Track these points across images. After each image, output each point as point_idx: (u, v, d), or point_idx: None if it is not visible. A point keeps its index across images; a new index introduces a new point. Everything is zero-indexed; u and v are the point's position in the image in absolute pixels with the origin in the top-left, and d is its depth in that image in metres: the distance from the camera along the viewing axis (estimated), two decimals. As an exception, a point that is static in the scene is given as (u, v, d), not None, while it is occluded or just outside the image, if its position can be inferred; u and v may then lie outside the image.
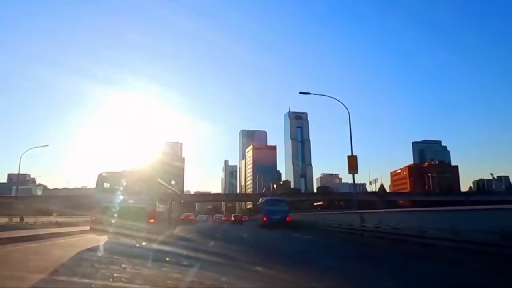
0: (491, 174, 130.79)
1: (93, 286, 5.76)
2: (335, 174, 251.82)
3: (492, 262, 8.20)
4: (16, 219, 32.63)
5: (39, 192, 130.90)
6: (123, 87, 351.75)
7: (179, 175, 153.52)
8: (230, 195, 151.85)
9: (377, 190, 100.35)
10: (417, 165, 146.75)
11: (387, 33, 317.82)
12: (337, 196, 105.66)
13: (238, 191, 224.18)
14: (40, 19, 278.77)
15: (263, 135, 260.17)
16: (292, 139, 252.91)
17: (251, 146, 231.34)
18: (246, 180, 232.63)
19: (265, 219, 32.11)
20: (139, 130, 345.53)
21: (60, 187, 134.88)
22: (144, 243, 12.47)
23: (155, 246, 12.32)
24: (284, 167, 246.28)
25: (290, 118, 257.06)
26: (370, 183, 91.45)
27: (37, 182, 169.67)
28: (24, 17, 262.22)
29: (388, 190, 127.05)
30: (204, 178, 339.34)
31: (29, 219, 31.65)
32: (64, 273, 7.03)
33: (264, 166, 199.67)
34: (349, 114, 21.04)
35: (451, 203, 69.00)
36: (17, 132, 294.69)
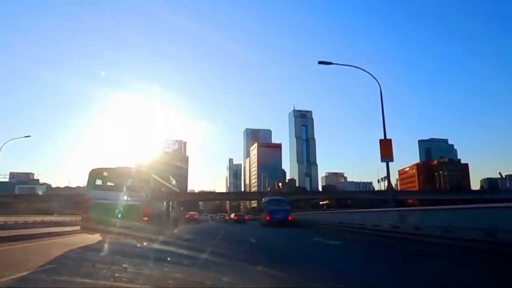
0: (499, 173, 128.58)
1: None
2: (340, 173, 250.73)
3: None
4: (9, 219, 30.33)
5: (40, 191, 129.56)
6: (126, 87, 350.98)
7: (183, 174, 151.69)
8: (233, 194, 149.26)
9: (385, 188, 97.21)
10: (426, 163, 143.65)
11: (390, 30, 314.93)
12: (345, 194, 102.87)
13: (242, 190, 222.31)
14: (41, 20, 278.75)
15: (267, 133, 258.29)
16: (297, 137, 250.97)
17: (255, 144, 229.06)
18: (250, 178, 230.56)
19: (267, 218, 33.21)
20: (142, 129, 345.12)
21: (62, 186, 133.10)
22: (138, 244, 11.64)
23: (144, 246, 11.43)
24: (288, 166, 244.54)
25: (294, 117, 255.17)
26: (379, 181, 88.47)
27: (41, 181, 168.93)
28: (25, 18, 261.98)
29: (395, 189, 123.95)
30: (209, 178, 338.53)
31: (21, 218, 29.60)
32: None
33: (269, 165, 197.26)
34: (380, 89, 17.91)
35: (464, 202, 66.51)
36: (19, 132, 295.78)
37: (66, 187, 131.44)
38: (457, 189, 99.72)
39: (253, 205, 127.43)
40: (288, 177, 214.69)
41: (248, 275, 6.60)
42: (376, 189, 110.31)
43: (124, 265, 6.80)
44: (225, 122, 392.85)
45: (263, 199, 42.47)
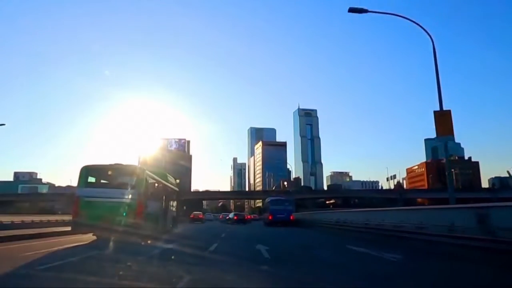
0: (508, 172, 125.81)
1: None
2: (345, 172, 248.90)
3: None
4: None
5: (43, 190, 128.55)
6: (129, 86, 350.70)
7: (186, 173, 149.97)
8: (237, 193, 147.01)
9: (393, 187, 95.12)
10: (435, 161, 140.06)
11: (393, 29, 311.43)
12: (353, 193, 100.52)
13: (247, 189, 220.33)
14: (43, 19, 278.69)
15: (272, 132, 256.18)
16: (301, 136, 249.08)
17: (260, 143, 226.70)
18: (255, 177, 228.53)
19: (270, 217, 34.29)
20: (146, 128, 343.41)
21: (64, 185, 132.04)
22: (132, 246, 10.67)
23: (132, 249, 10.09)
24: (293, 165, 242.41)
25: (299, 116, 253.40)
26: (388, 179, 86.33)
27: (44, 180, 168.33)
28: (29, 17, 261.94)
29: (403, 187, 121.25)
30: (213, 177, 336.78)
31: (20, 218, 27.39)
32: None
33: (274, 163, 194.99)
34: (433, 43, 14.60)
35: (477, 200, 64.14)
36: (24, 132, 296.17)
37: (68, 186, 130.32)
38: (468, 188, 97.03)
39: (257, 205, 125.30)
40: (292, 176, 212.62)
41: None
42: (384, 187, 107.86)
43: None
44: (229, 121, 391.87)
45: (266, 199, 43.56)
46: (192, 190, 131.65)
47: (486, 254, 7.74)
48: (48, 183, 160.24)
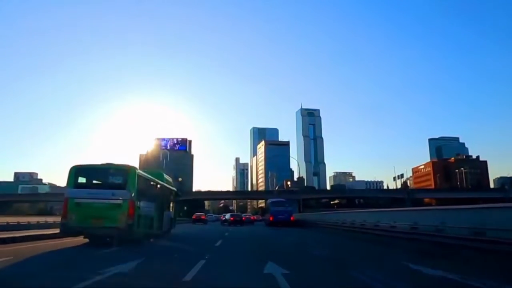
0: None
1: None
2: (349, 172, 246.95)
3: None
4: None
5: (44, 190, 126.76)
6: (131, 86, 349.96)
7: (188, 173, 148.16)
8: (239, 193, 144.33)
9: (399, 187, 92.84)
10: (442, 161, 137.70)
11: (396, 28, 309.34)
12: (359, 193, 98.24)
13: (249, 190, 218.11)
14: (39, 20, 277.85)
15: (274, 132, 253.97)
16: (304, 136, 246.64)
17: (262, 142, 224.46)
18: (257, 177, 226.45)
19: (271, 218, 35.18)
20: (147, 128, 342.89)
21: (64, 185, 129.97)
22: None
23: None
24: (296, 165, 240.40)
25: (302, 115, 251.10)
26: (395, 179, 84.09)
27: (44, 180, 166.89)
28: (28, 17, 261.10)
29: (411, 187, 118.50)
30: (215, 178, 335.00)
31: (15, 219, 25.85)
32: None
33: (276, 163, 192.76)
34: None
35: (486, 201, 61.87)
36: (25, 132, 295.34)
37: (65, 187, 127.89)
38: (477, 187, 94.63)
39: (260, 205, 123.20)
40: (295, 176, 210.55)
41: None
42: (390, 187, 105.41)
43: None
44: (231, 121, 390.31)
45: (267, 201, 44.38)
46: (194, 190, 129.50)
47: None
48: (49, 184, 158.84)
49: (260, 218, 60.74)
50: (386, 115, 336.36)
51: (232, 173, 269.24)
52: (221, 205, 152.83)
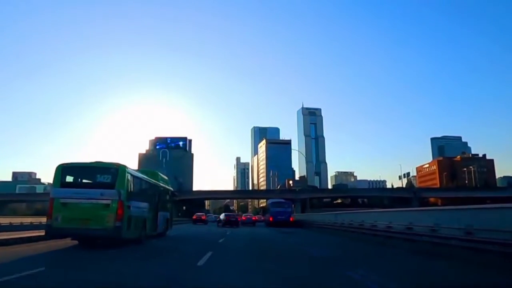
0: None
1: None
2: (350, 172, 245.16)
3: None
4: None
5: (40, 190, 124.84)
6: (131, 85, 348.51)
7: (188, 172, 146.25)
8: (240, 192, 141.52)
9: (403, 186, 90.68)
10: (448, 159, 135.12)
11: (398, 27, 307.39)
12: (363, 192, 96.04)
13: (250, 189, 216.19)
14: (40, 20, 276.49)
15: (275, 132, 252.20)
16: (305, 136, 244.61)
17: (264, 141, 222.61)
18: (259, 177, 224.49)
19: (271, 219, 36.03)
20: (146, 128, 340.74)
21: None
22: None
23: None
24: (297, 165, 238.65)
25: (303, 115, 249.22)
26: (400, 177, 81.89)
27: (43, 180, 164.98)
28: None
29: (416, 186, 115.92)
30: (216, 177, 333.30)
31: (7, 220, 24.61)
32: None
33: (278, 162, 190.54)
34: None
35: (496, 200, 59.61)
36: (23, 132, 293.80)
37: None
38: (484, 186, 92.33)
39: (261, 205, 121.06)
40: (297, 176, 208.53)
41: None
42: (394, 186, 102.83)
43: None
44: (232, 121, 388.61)
45: (268, 201, 45.37)
46: (194, 190, 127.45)
47: None
48: (48, 183, 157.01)
49: (262, 218, 58.40)
50: (387, 114, 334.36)
51: (233, 172, 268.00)
52: (223, 205, 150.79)
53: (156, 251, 11.73)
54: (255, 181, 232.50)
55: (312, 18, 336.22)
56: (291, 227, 31.73)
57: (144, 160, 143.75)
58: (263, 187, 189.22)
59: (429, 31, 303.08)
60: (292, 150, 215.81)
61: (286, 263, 9.22)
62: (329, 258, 10.21)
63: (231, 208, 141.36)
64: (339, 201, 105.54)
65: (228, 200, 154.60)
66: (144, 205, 14.12)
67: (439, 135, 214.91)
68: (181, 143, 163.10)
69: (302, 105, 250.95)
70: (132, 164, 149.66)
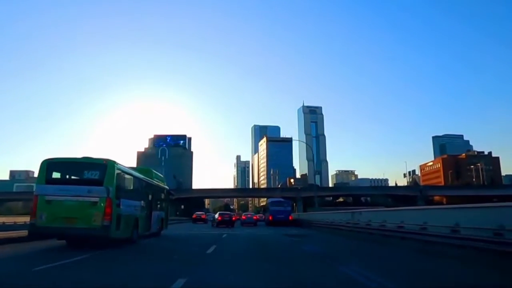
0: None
1: None
2: (351, 171, 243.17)
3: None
4: None
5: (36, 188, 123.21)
6: (129, 83, 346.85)
7: (186, 170, 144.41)
8: (240, 190, 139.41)
9: (408, 184, 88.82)
10: (453, 157, 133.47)
11: (399, 26, 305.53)
12: (368, 190, 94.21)
13: (251, 188, 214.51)
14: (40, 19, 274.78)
15: (276, 130, 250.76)
16: (306, 134, 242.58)
17: (264, 139, 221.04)
18: (259, 175, 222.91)
19: (270, 218, 35.96)
20: (145, 125, 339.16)
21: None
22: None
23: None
24: (298, 163, 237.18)
25: (304, 113, 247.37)
26: (405, 175, 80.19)
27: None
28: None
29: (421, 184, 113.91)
30: (216, 176, 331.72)
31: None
32: None
33: (279, 160, 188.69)
34: None
35: (502, 198, 57.52)
36: (21, 130, 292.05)
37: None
38: (490, 184, 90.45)
39: (262, 204, 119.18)
40: (297, 174, 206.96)
41: None
42: (394, 186, 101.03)
43: None
44: (232, 119, 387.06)
45: (267, 200, 45.79)
46: (193, 188, 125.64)
47: None
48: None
49: (263, 217, 56.58)
50: (388, 113, 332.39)
51: (233, 171, 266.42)
52: (223, 204, 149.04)
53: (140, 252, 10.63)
54: (256, 180, 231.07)
55: (312, 16, 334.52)
56: (291, 226, 31.83)
57: (143, 158, 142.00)
58: (263, 186, 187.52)
59: (429, 29, 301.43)
60: (294, 142, 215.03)
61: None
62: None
63: (231, 207, 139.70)
64: (341, 199, 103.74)
65: (228, 199, 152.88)
66: (136, 203, 13.60)
67: (441, 134, 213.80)
68: (181, 141, 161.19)
69: (303, 103, 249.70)
70: (131, 162, 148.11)
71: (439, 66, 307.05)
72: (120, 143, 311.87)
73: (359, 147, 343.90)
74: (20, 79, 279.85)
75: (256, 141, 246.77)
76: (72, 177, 11.90)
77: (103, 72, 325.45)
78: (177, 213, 74.27)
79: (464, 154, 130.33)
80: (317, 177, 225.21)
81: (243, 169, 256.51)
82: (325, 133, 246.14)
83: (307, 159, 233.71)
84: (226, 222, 31.98)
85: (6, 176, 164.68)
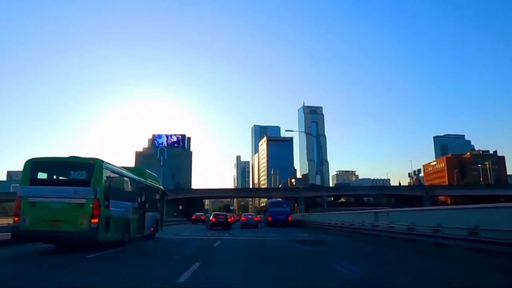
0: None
1: None
2: (352, 171, 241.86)
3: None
4: None
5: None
6: (128, 82, 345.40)
7: (185, 170, 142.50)
8: (240, 190, 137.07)
9: (412, 183, 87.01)
10: (457, 156, 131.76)
11: (399, 25, 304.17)
12: (372, 190, 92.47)
13: (251, 188, 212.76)
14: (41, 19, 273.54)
15: (276, 130, 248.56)
16: (306, 134, 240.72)
17: (264, 138, 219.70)
18: (259, 176, 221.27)
19: (270, 218, 35.70)
20: (144, 125, 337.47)
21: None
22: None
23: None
24: (299, 163, 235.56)
25: (304, 113, 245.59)
26: (410, 175, 78.34)
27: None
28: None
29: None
30: (216, 177, 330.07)
31: None
32: None
33: (279, 160, 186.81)
34: None
35: (510, 198, 55.52)
36: (18, 129, 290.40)
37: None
38: (497, 184, 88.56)
39: (262, 204, 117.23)
40: (298, 174, 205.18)
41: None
42: (402, 184, 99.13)
43: None
44: (232, 119, 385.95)
45: (267, 201, 45.91)
46: (192, 188, 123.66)
47: None
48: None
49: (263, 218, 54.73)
50: (388, 112, 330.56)
51: (233, 171, 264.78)
52: (222, 204, 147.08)
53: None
54: (256, 180, 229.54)
55: (313, 16, 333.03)
56: (290, 227, 32.44)
57: (142, 158, 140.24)
58: (264, 186, 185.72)
59: (431, 28, 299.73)
60: (295, 143, 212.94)
61: None
62: None
63: (231, 208, 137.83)
64: (343, 200, 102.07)
65: (228, 200, 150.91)
66: (127, 204, 13.11)
67: (442, 134, 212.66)
68: (180, 141, 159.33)
69: (303, 103, 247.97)
70: (130, 162, 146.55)
71: (440, 65, 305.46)
72: (119, 143, 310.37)
73: (359, 147, 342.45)
74: (18, 78, 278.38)
75: (256, 141, 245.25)
76: (58, 177, 11.50)
77: (102, 72, 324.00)
78: (175, 214, 72.35)
79: (468, 154, 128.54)
80: (318, 177, 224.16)
81: (243, 169, 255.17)
82: (326, 133, 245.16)
83: (308, 159, 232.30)
84: (222, 224, 28.69)
85: (3, 177, 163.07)
